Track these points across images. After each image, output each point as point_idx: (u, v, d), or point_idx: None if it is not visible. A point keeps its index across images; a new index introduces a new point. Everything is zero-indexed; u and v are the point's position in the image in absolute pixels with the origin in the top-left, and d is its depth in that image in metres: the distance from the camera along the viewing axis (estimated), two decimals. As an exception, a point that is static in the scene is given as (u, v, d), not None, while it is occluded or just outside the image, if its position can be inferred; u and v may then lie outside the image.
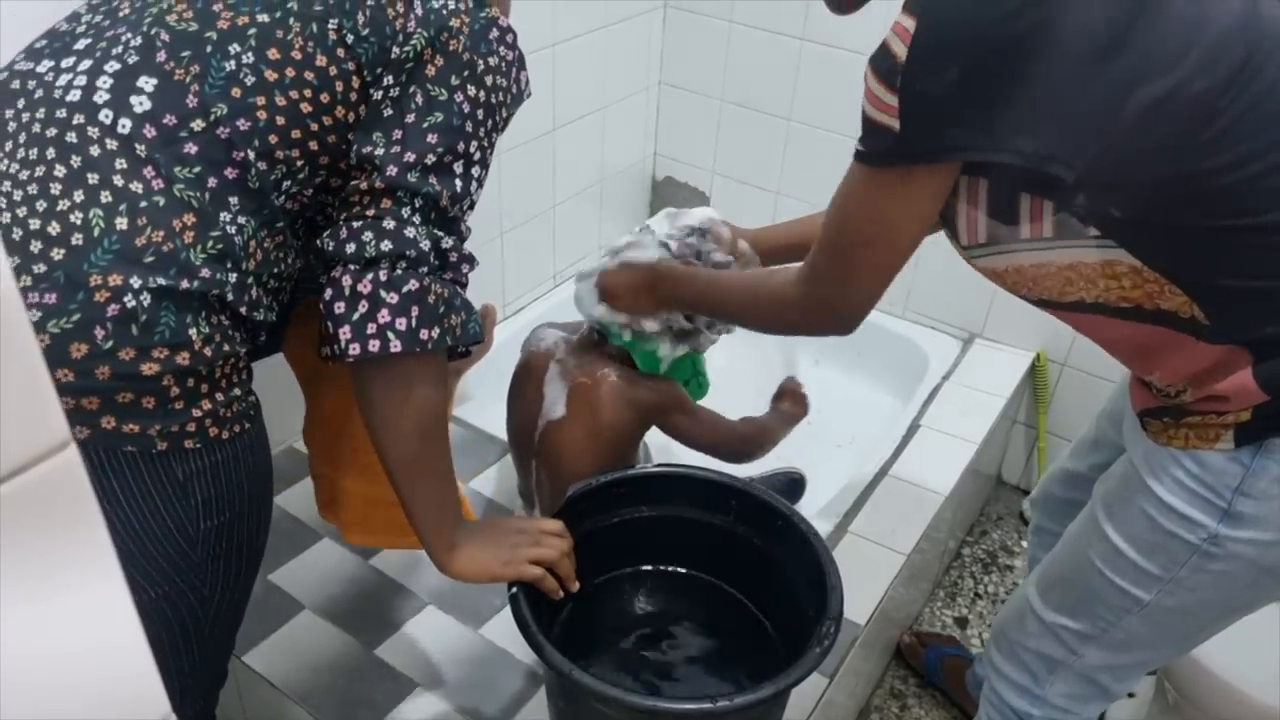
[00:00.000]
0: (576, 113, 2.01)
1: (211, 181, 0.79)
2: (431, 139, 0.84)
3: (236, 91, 0.80)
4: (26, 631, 0.36)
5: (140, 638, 0.41)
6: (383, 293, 0.81)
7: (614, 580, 1.18)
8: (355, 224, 0.82)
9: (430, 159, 0.84)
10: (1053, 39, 0.73)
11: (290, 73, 0.81)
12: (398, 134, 0.83)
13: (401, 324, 0.82)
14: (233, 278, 0.81)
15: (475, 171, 0.89)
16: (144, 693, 0.42)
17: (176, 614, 0.87)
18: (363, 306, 0.81)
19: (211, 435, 0.81)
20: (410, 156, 0.83)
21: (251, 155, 0.81)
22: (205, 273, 0.78)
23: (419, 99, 0.83)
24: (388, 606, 1.40)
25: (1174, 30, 0.74)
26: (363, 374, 0.85)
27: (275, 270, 0.87)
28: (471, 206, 0.91)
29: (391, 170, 0.82)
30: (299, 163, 0.84)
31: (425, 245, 0.83)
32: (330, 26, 0.82)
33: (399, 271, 0.82)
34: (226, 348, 0.81)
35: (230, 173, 0.80)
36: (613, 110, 2.11)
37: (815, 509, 1.59)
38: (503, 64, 0.88)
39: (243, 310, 0.83)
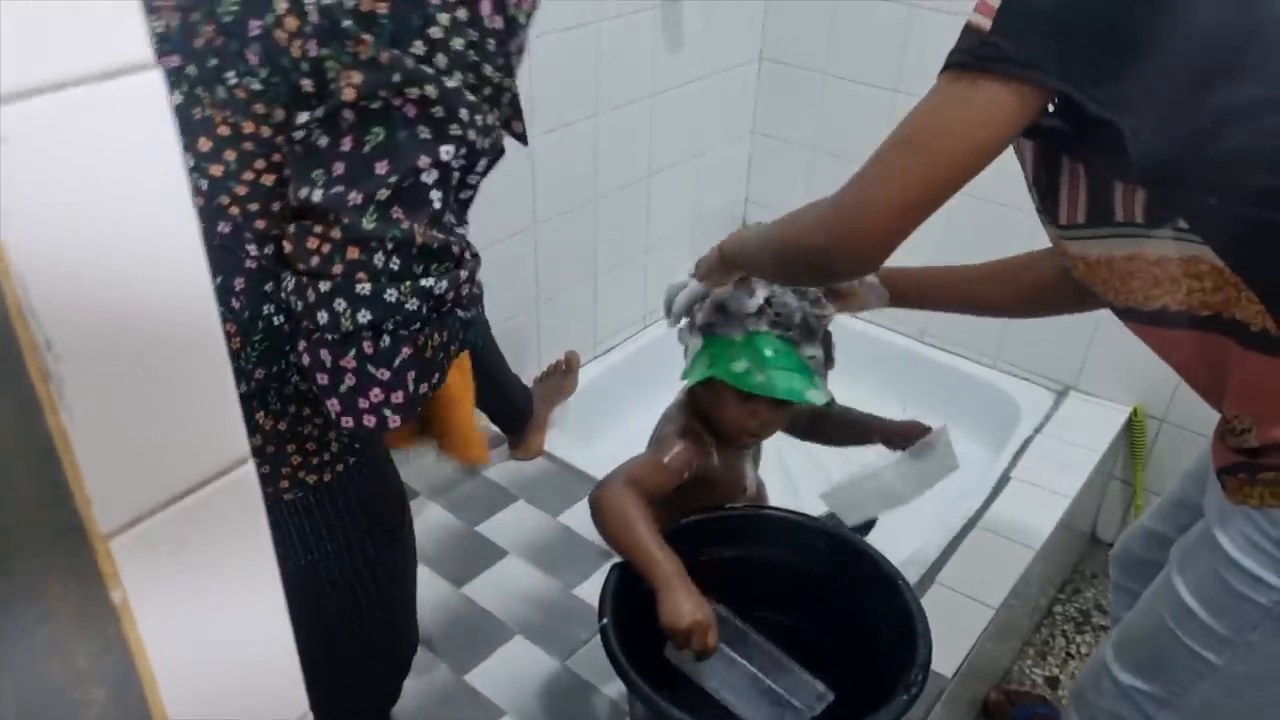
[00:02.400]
0: (671, 159, 2.07)
1: (238, 284, 0.73)
2: (380, 167, 0.67)
3: (200, 201, 0.71)
4: (203, 625, 0.40)
5: (289, 639, 0.45)
6: (371, 368, 0.71)
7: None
8: (323, 285, 0.68)
9: (384, 194, 0.67)
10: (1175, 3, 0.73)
11: (230, 156, 0.70)
12: (339, 167, 0.67)
13: (398, 397, 0.72)
14: (287, 360, 0.76)
15: (456, 164, 0.70)
16: (288, 692, 0.46)
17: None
18: (349, 380, 0.71)
19: (311, 482, 0.83)
20: (357, 197, 0.66)
21: (254, 249, 0.73)
22: (259, 374, 0.76)
23: (349, 116, 0.66)
24: (478, 634, 1.44)
25: (1272, 35, 0.75)
26: None
27: None
28: (467, 202, 0.76)
29: (345, 219, 0.67)
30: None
31: (412, 304, 0.70)
32: (231, 82, 0.69)
33: (385, 343, 0.70)
34: (306, 411, 0.80)
35: (250, 265, 0.74)
36: (707, 157, 2.16)
37: (901, 557, 1.58)
38: (459, 9, 0.68)
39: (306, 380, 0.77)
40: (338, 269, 0.68)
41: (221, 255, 0.72)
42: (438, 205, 0.70)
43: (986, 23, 0.76)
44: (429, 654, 1.40)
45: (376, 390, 0.71)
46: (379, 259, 0.68)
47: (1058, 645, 1.84)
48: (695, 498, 1.25)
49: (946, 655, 1.39)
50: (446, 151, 0.69)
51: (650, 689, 0.96)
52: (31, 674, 0.33)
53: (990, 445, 1.95)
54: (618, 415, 2.01)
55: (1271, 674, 0.92)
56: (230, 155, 0.70)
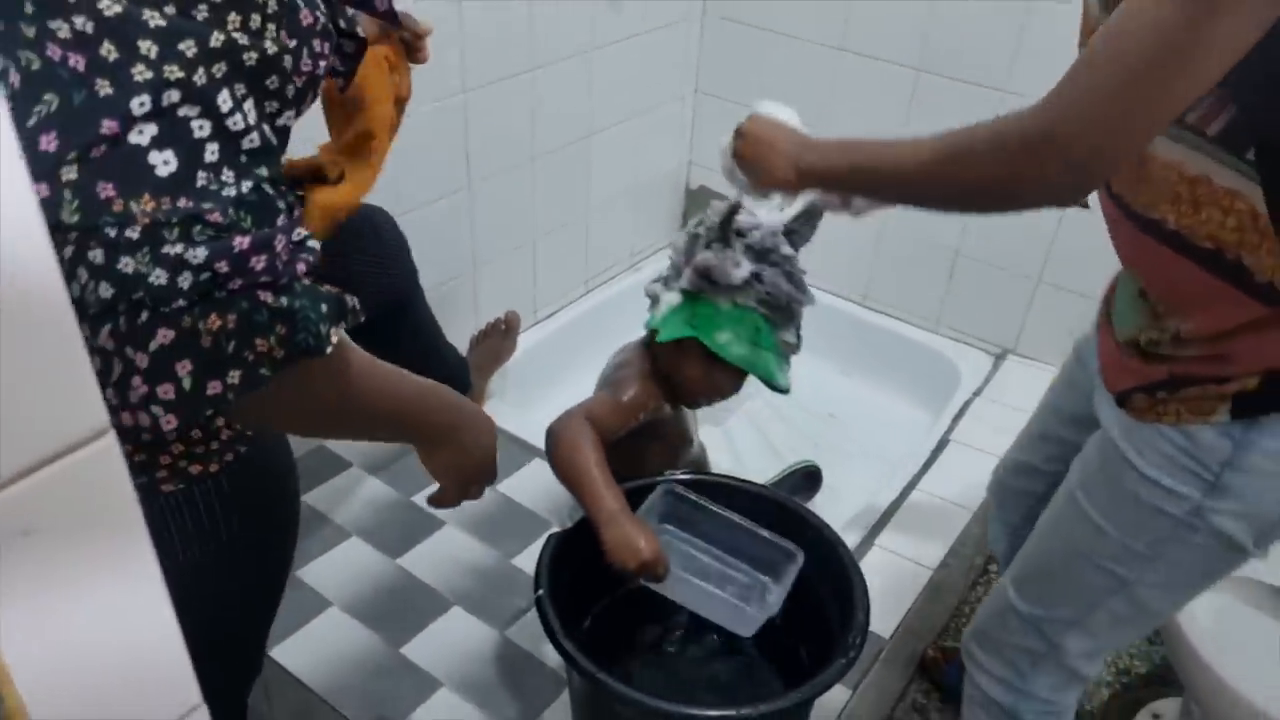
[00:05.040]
0: (612, 120, 2.02)
1: None
2: (47, 142, 0.53)
3: None
4: (62, 620, 0.36)
5: (174, 628, 0.41)
6: (130, 351, 0.59)
7: (638, 591, 1.18)
8: (66, 251, 0.56)
9: (69, 174, 0.54)
10: None
11: None
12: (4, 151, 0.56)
13: (165, 391, 0.59)
14: None
15: (189, 111, 0.56)
16: (177, 683, 0.43)
17: None
18: (117, 367, 0.59)
19: (194, 473, 0.76)
20: (43, 188, 0.54)
21: None
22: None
23: (15, 82, 0.53)
24: (414, 606, 1.41)
25: None
26: None
27: None
28: (258, 151, 0.60)
29: (47, 214, 0.55)
30: None
31: (159, 277, 0.57)
32: None
33: (142, 319, 0.58)
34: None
35: None
36: (648, 118, 2.12)
37: (841, 521, 1.58)
38: None
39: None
40: (72, 234, 0.55)
41: None
42: (169, 170, 0.56)
43: None
44: (364, 627, 1.36)
45: (137, 379, 0.59)
46: (111, 230, 0.55)
47: (995, 604, 1.87)
48: (646, 449, 1.25)
49: (885, 616, 1.40)
50: (140, 105, 0.54)
51: (586, 659, 0.94)
52: None
53: (930, 408, 1.96)
54: (556, 383, 1.97)
55: (1176, 581, 0.95)
56: None
